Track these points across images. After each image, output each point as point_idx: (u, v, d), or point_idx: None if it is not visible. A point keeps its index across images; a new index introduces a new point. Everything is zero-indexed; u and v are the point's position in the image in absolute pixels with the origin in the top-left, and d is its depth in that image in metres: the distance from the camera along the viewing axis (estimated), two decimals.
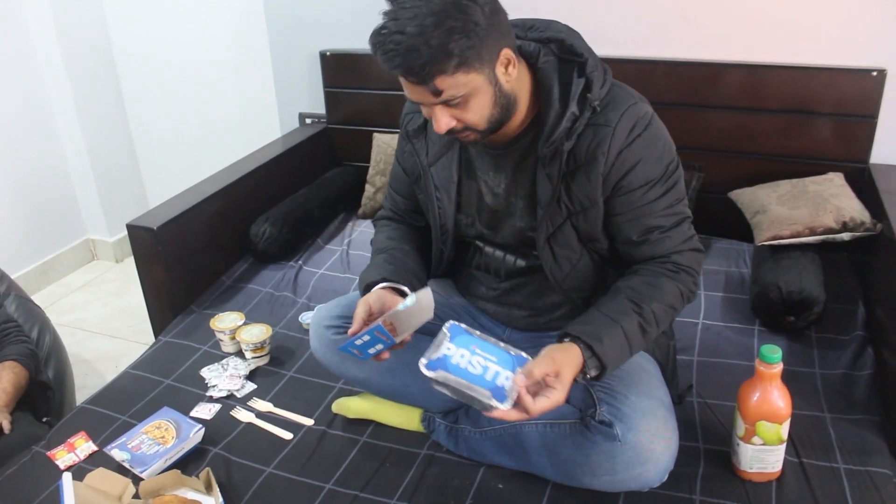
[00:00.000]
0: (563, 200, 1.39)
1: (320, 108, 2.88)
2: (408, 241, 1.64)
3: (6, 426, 1.79)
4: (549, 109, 1.35)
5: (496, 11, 1.25)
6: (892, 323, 1.74)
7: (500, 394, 1.21)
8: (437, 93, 1.24)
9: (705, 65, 2.32)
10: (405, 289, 1.48)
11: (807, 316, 1.90)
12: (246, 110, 3.17)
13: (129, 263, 3.46)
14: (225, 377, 1.86)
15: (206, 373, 1.90)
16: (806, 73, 2.24)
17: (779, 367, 1.42)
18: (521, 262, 1.55)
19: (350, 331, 1.38)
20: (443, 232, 1.59)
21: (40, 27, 3.02)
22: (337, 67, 2.74)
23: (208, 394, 1.83)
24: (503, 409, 1.20)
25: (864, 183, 2.23)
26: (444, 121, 1.29)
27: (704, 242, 2.34)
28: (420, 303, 1.30)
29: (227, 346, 1.98)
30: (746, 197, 2.27)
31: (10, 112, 3.02)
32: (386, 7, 1.22)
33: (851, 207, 2.07)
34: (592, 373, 1.30)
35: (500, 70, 1.28)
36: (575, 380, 1.28)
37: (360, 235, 2.53)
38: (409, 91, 1.28)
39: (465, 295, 1.71)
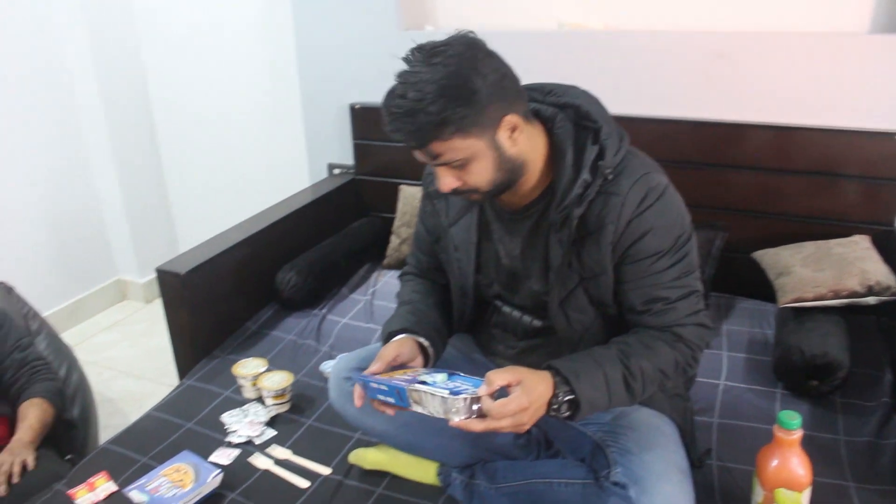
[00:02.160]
0: (575, 266, 1.41)
1: (349, 160, 2.94)
2: (431, 296, 1.66)
3: (30, 463, 1.81)
4: (561, 177, 1.37)
5: (502, 78, 1.27)
6: None
7: (456, 393, 1.24)
8: (435, 156, 1.28)
9: (729, 125, 2.34)
10: (423, 341, 1.50)
11: (830, 381, 1.87)
12: (276, 159, 3.25)
13: (158, 305, 3.50)
14: (245, 423, 1.88)
15: (227, 418, 1.92)
16: (831, 135, 2.24)
17: (798, 434, 1.40)
18: (537, 323, 1.57)
19: (370, 369, 1.39)
20: (462, 293, 1.62)
21: (81, 73, 3.14)
22: (366, 120, 2.80)
23: (228, 439, 1.84)
24: (463, 419, 1.22)
25: (890, 246, 2.21)
26: (446, 181, 1.33)
27: (727, 302, 2.37)
28: (449, 405, 1.24)
29: (249, 392, 2.00)
30: (770, 258, 2.26)
31: (49, 154, 3.12)
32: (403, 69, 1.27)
33: (877, 271, 2.06)
34: (565, 406, 1.29)
35: (503, 135, 1.30)
36: (550, 412, 1.28)
37: (384, 286, 2.55)
38: (414, 152, 1.31)
39: (484, 353, 1.72)
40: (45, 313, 2.68)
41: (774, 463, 1.42)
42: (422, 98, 1.20)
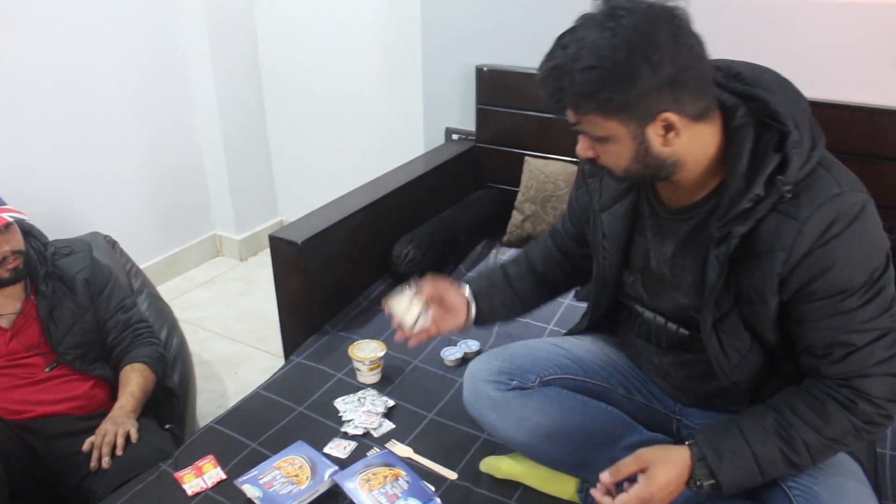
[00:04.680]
0: (731, 287, 1.20)
1: (468, 125, 2.72)
2: (534, 273, 1.56)
3: (133, 434, 1.72)
4: (731, 184, 1.14)
5: (681, 70, 1.05)
6: None
7: None
8: (571, 122, 1.14)
9: None
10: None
11: None
12: (388, 120, 3.07)
13: (254, 263, 3.42)
14: (361, 412, 1.73)
15: (341, 404, 1.77)
16: None
17: None
18: (684, 331, 1.36)
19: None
20: (603, 284, 1.44)
21: (191, 28, 3.03)
22: (493, 84, 2.57)
23: (343, 429, 1.69)
24: None
25: None
26: (582, 146, 1.19)
27: None
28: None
29: (365, 377, 1.84)
30: None
31: (155, 107, 3.02)
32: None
33: None
34: (705, 485, 1.19)
35: (653, 131, 1.10)
36: (689, 486, 1.21)
37: None
38: None
39: (630, 360, 1.54)
40: (142, 265, 2.60)
41: None
42: (575, 60, 1.05)
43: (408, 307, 1.39)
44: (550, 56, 1.09)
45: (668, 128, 1.10)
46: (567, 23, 1.10)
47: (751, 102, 1.15)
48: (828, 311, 1.14)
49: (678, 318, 1.36)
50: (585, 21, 1.08)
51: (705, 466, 1.18)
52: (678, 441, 1.45)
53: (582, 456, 1.45)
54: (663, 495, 1.18)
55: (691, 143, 1.13)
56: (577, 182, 1.49)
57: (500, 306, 1.52)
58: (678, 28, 1.06)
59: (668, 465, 1.19)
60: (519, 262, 1.58)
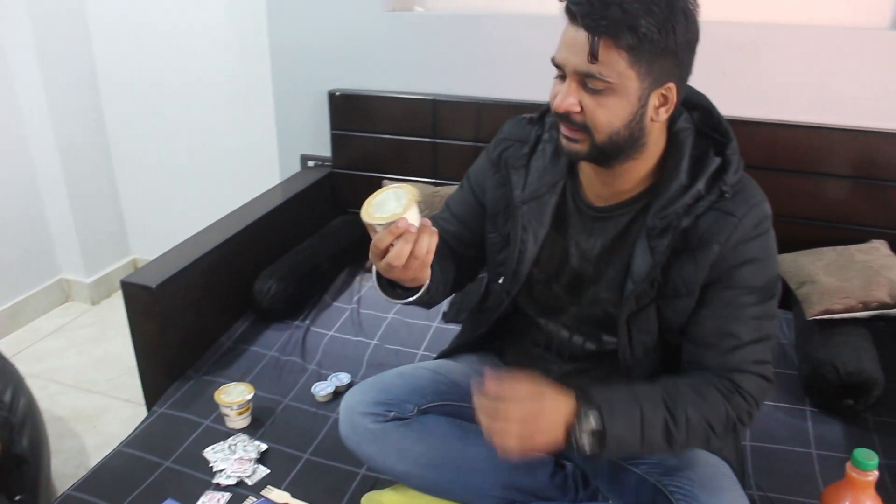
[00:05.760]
0: (657, 280, 1.25)
1: (324, 151, 2.69)
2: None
3: None
4: (671, 180, 1.21)
5: (692, 50, 1.14)
6: None
7: None
8: (594, 57, 1.09)
9: (739, 122, 2.18)
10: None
11: (866, 399, 1.76)
12: (242, 149, 2.98)
13: (107, 306, 3.22)
14: (233, 460, 1.66)
15: (211, 454, 1.69)
16: (850, 134, 2.13)
17: (874, 476, 1.28)
18: (590, 345, 1.39)
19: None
20: (514, 280, 1.40)
21: (21, 51, 2.81)
22: (347, 108, 2.56)
23: (215, 480, 1.62)
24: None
25: None
26: (569, 99, 1.14)
27: None
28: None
29: (234, 422, 1.77)
30: (788, 265, 2.13)
31: None
32: None
33: None
34: (587, 437, 1.13)
35: (654, 98, 1.15)
36: (568, 440, 1.13)
37: (369, 291, 2.33)
38: (569, 40, 1.12)
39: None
40: None
41: None
42: None
43: (417, 216, 1.18)
44: None
45: (664, 100, 1.15)
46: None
47: (693, 111, 1.25)
48: (728, 300, 1.22)
49: (591, 324, 1.38)
50: None
51: (596, 416, 1.13)
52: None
53: (464, 482, 1.45)
54: (549, 421, 1.11)
55: (661, 128, 1.22)
56: (487, 175, 1.44)
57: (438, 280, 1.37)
58: (696, 6, 1.13)
59: (561, 395, 1.14)
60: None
